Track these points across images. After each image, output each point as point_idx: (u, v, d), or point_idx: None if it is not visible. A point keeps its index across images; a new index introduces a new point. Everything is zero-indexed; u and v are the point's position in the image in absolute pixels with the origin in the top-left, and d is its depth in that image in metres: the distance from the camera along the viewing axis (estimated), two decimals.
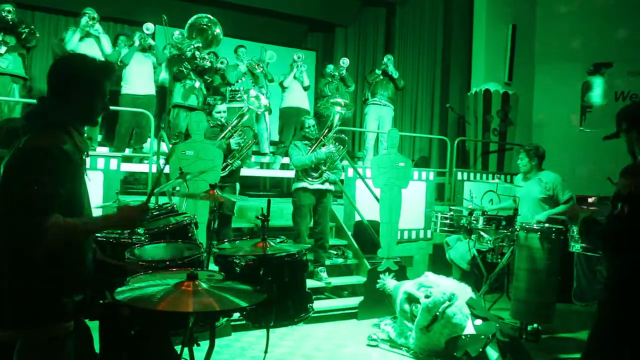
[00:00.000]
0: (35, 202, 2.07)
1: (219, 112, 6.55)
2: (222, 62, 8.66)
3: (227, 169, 6.12)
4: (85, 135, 2.37)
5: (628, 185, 2.76)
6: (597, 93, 9.93)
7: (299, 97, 9.26)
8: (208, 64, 8.05)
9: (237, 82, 8.57)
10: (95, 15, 7.57)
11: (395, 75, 9.69)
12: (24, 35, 7.10)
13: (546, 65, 10.63)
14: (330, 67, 9.66)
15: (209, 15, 8.28)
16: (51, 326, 2.17)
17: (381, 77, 9.70)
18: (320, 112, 9.14)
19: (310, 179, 6.23)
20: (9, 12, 6.95)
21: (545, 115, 10.66)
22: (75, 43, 7.43)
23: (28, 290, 2.13)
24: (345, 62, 9.67)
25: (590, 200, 5.36)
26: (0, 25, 6.95)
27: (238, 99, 8.35)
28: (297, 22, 12.06)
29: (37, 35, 7.33)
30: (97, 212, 5.23)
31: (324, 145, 6.27)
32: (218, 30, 8.33)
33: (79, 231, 2.19)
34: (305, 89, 9.33)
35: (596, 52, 10.03)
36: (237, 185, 6.51)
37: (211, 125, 6.39)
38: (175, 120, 7.95)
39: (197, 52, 7.93)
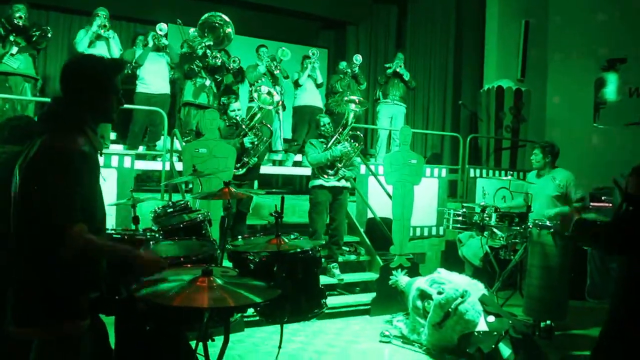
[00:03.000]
0: (60, 207, 2.10)
1: (234, 111, 6.55)
2: (234, 61, 8.69)
3: (243, 168, 6.15)
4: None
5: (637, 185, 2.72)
6: (611, 89, 9.84)
7: (312, 95, 9.26)
8: (219, 62, 8.08)
9: (257, 82, 8.60)
10: (107, 23, 7.67)
11: (407, 77, 9.65)
12: (34, 38, 7.24)
13: (559, 61, 10.55)
14: (343, 64, 9.60)
15: (222, 14, 8.29)
16: (67, 324, 2.20)
17: (392, 78, 9.67)
18: (332, 109, 9.15)
19: (326, 176, 6.25)
20: (20, 18, 7.06)
21: (558, 112, 10.57)
22: (85, 46, 7.58)
23: (44, 288, 2.16)
24: (358, 59, 9.50)
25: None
26: (12, 28, 7.07)
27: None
28: (308, 20, 12.06)
29: (49, 36, 7.44)
30: (111, 210, 5.35)
31: (339, 143, 6.29)
32: (229, 29, 8.33)
33: (96, 248, 2.24)
34: (318, 86, 9.33)
35: (610, 48, 9.95)
36: (255, 183, 6.52)
37: (227, 124, 6.41)
38: (186, 118, 7.99)
39: (208, 51, 7.96)
